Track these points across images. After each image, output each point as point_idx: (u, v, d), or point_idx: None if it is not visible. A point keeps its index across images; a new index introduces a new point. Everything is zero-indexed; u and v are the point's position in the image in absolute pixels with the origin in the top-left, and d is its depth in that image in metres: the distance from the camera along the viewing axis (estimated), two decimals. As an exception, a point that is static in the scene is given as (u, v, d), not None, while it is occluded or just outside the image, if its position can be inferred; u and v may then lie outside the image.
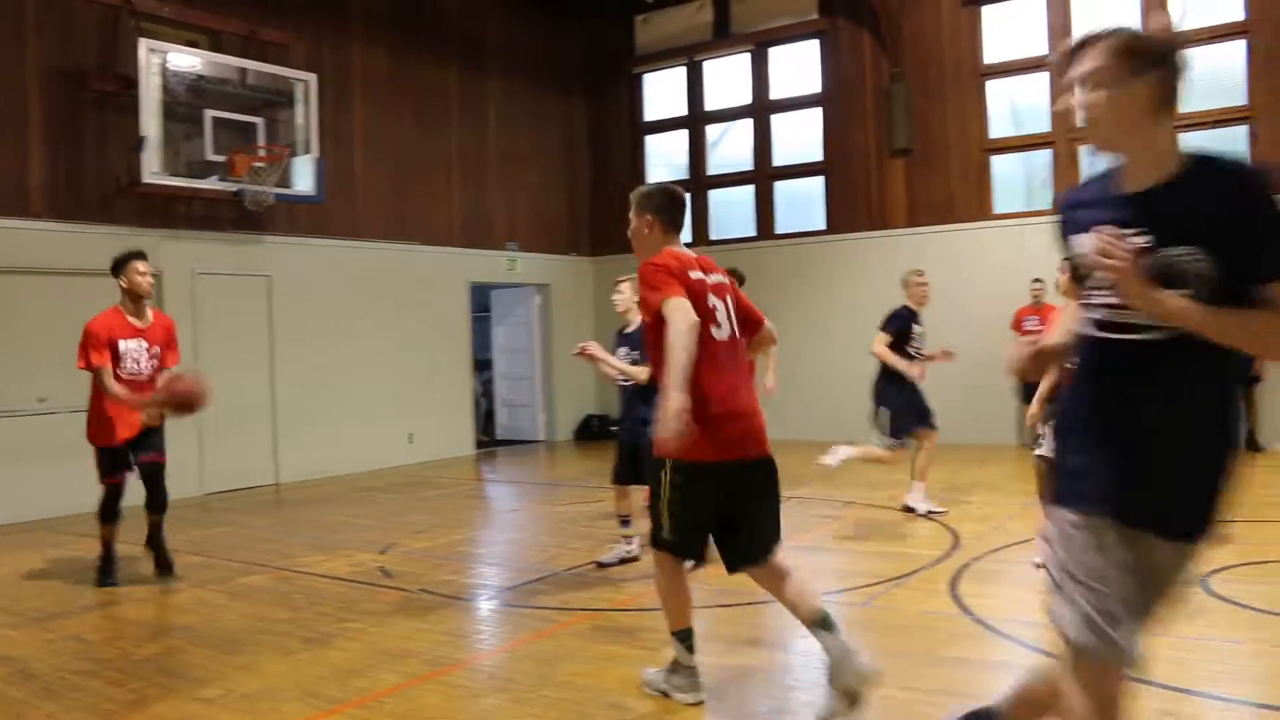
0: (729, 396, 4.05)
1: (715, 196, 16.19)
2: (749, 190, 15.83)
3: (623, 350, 6.87)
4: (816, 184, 15.12)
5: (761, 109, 15.65)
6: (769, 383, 9.29)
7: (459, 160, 14.66)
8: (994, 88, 13.85)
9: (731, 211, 16.02)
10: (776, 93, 15.55)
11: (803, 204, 15.24)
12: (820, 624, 4.01)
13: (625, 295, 7.03)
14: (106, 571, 6.93)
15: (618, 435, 7.13)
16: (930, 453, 8.64)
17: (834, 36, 14.87)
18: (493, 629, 5.83)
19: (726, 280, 4.32)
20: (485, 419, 16.35)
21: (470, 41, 14.92)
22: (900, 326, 8.39)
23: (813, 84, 15.13)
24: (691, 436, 3.76)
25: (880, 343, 8.35)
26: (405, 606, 6.04)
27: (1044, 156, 13.56)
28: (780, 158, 15.51)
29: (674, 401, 3.72)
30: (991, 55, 13.82)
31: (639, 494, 6.85)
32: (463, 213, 14.69)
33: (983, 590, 5.95)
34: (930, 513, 8.45)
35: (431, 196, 14.21)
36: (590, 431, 16.25)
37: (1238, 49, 12.30)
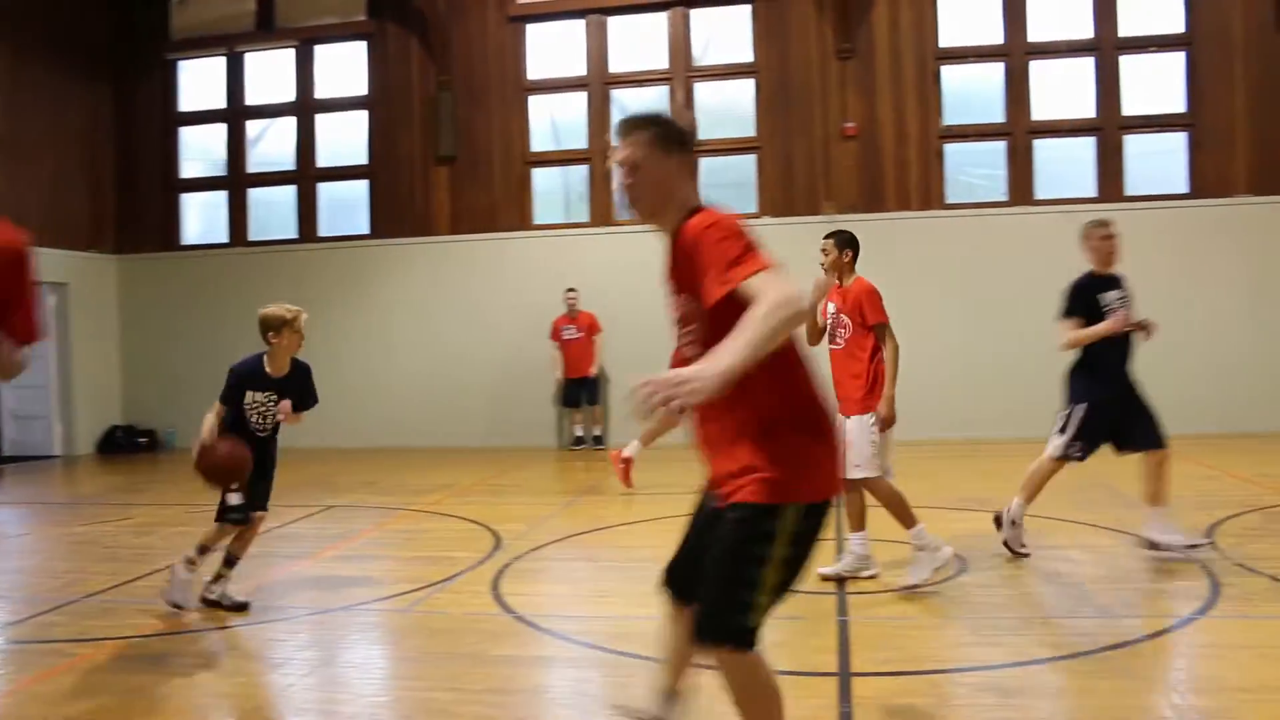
0: None
1: (255, 196, 15.54)
2: (291, 191, 15.38)
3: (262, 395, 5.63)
4: (361, 188, 15.01)
5: (306, 108, 15.26)
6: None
7: (-47, 142, 12.97)
8: (536, 103, 14.47)
9: (272, 212, 15.47)
10: (322, 92, 15.23)
11: (347, 208, 15.06)
12: (679, 697, 3.38)
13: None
14: None
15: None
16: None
17: (381, 40, 14.82)
18: (-5, 670, 5.26)
19: None
20: (-12, 432, 14.62)
21: (-33, 7, 13.24)
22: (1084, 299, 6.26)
23: (359, 86, 15.00)
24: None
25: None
26: (-116, 653, 5.29)
27: (581, 172, 14.36)
28: (324, 159, 15.21)
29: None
30: (535, 71, 14.43)
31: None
32: (-42, 201, 13.02)
33: (524, 589, 6.21)
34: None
35: (-83, 181, 12.44)
36: (116, 444, 15.00)
37: (748, 87, 13.75)
